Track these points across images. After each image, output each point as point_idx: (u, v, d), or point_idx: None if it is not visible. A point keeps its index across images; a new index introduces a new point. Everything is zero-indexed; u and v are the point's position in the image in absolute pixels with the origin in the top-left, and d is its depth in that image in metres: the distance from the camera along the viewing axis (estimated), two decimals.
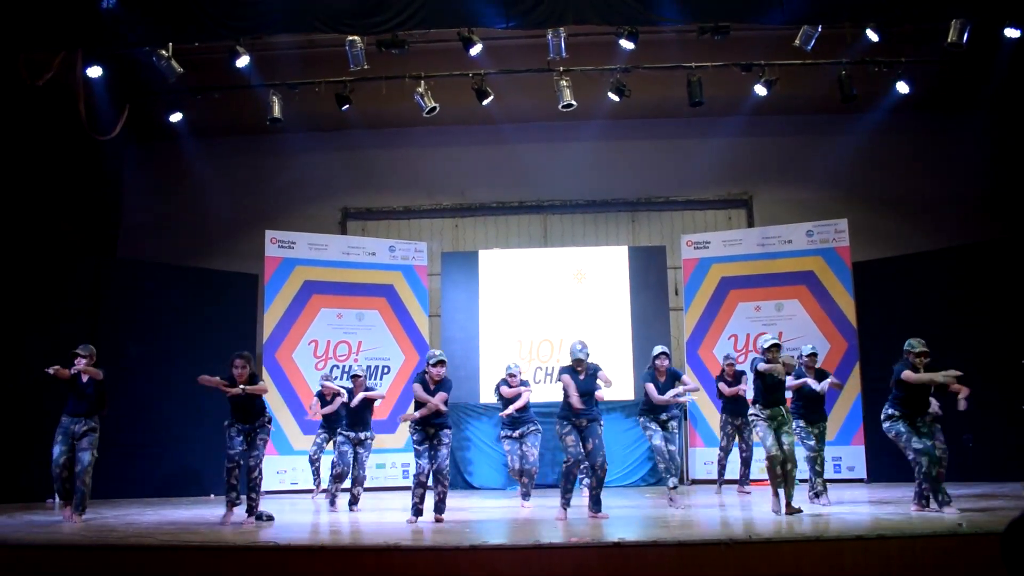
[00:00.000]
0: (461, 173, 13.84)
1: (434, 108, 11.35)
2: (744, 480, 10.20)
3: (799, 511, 7.03)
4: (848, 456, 11.29)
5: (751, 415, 7.47)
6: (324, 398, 10.06)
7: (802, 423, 8.39)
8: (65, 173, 11.97)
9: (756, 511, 7.74)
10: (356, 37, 10.26)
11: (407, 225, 13.92)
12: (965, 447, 8.96)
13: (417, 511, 7.31)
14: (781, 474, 7.21)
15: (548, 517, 7.48)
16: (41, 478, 7.79)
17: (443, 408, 7.51)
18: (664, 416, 8.78)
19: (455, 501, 8.06)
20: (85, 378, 7.81)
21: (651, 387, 8.73)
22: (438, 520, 7.22)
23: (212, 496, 10.93)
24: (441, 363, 7.54)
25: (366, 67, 10.62)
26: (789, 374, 7.78)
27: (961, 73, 11.61)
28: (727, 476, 10.69)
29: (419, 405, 7.53)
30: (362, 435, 8.87)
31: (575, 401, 7.42)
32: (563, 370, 7.65)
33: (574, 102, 11.23)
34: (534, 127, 13.39)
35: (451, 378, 7.71)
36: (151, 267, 11.90)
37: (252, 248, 12.36)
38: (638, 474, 11.65)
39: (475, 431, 12.01)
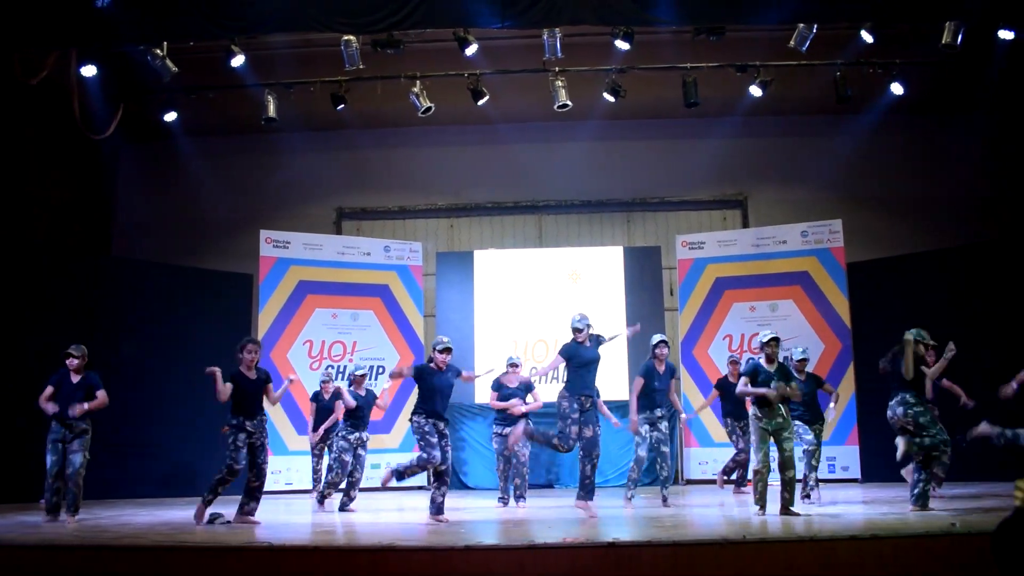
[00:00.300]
0: (456, 173, 13.83)
1: (429, 108, 11.34)
2: (741, 481, 10.19)
3: (796, 515, 7.01)
4: (842, 456, 11.31)
5: (752, 415, 7.33)
6: (321, 398, 10.05)
7: (799, 422, 8.42)
8: (59, 172, 11.95)
9: (751, 511, 7.74)
10: (351, 37, 10.24)
11: (402, 225, 13.91)
12: (959, 447, 8.96)
13: (440, 508, 7.24)
14: (769, 486, 7.20)
15: (542, 517, 7.47)
16: (34, 479, 7.75)
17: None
18: (659, 413, 8.78)
19: (450, 501, 8.03)
20: (74, 379, 7.77)
21: (640, 381, 8.74)
22: (441, 521, 7.18)
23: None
24: (447, 351, 7.45)
25: (361, 67, 10.61)
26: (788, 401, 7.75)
27: (955, 75, 11.62)
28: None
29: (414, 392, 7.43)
30: (364, 436, 8.87)
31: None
32: (562, 350, 7.59)
33: (569, 102, 11.23)
34: (529, 127, 13.39)
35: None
36: (145, 266, 11.89)
37: (247, 248, 12.34)
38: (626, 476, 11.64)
39: (470, 431, 12.01)
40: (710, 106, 11.93)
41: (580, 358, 7.47)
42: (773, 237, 12.25)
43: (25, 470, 9.17)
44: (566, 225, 13.90)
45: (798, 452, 8.08)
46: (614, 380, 11.61)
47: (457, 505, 9.06)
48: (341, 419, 9.04)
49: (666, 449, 8.83)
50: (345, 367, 11.60)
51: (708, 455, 11.92)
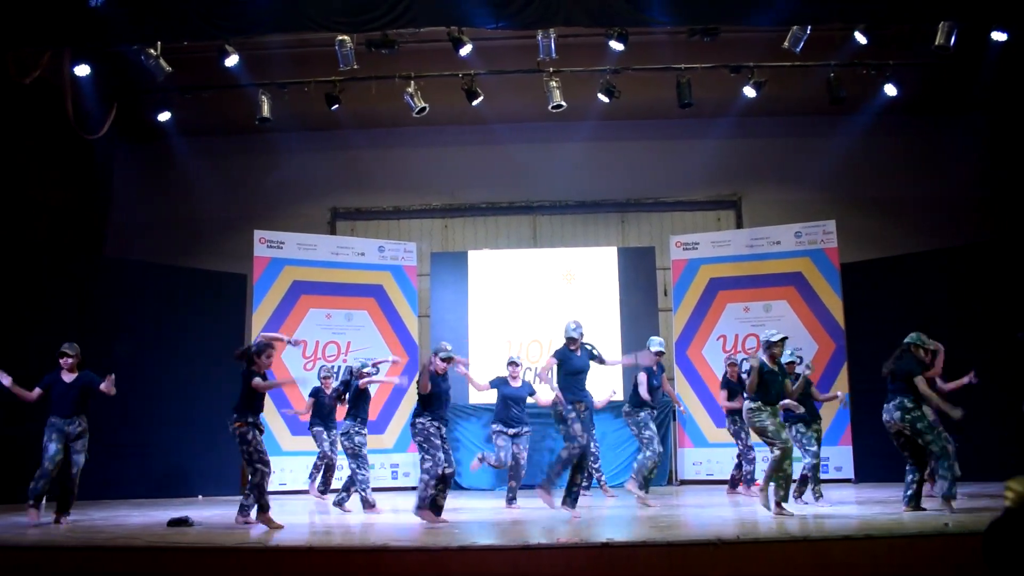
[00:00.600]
0: (451, 173, 13.83)
1: (424, 108, 11.34)
2: (736, 482, 10.21)
3: (791, 515, 7.01)
4: (836, 456, 11.33)
5: (752, 408, 7.28)
6: (322, 394, 10.02)
7: (801, 426, 8.40)
8: (53, 172, 11.92)
9: (745, 511, 7.76)
10: (346, 37, 10.24)
11: (396, 225, 13.90)
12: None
13: (439, 508, 7.23)
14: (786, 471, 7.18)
15: (537, 518, 7.47)
16: (27, 479, 7.72)
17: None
18: (647, 411, 8.89)
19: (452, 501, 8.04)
20: (68, 377, 7.75)
21: (643, 377, 8.80)
22: (441, 522, 7.17)
23: (200, 497, 10.90)
24: (449, 360, 7.49)
25: (356, 67, 10.60)
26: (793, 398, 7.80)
27: (949, 76, 11.66)
28: (719, 476, 10.72)
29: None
30: (365, 431, 8.88)
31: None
32: (556, 352, 7.64)
33: (564, 103, 11.24)
34: (524, 128, 13.38)
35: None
36: (139, 266, 11.85)
37: (241, 248, 12.32)
38: (628, 474, 11.62)
39: (464, 431, 11.99)
40: (704, 107, 11.95)
41: (570, 365, 7.54)
42: (767, 238, 12.27)
43: (18, 471, 9.14)
44: (560, 225, 13.90)
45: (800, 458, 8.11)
46: (603, 380, 11.57)
47: (451, 505, 9.03)
48: (345, 418, 9.02)
49: (659, 448, 8.95)
50: (340, 367, 11.59)
51: (702, 455, 11.94)
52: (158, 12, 9.19)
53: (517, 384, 9.25)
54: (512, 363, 9.36)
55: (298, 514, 8.54)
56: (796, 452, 7.96)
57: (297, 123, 12.64)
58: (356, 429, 8.78)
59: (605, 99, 11.60)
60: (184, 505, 9.57)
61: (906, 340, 7.46)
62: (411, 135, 13.54)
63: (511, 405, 9.16)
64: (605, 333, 12.24)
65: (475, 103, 11.51)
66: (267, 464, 7.25)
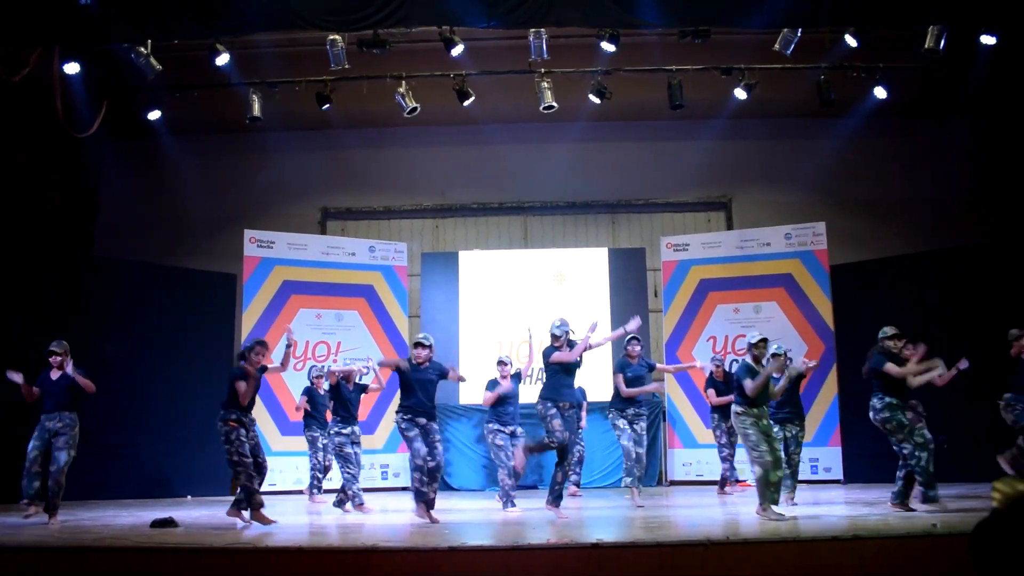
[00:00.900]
0: (442, 174, 13.82)
1: (415, 108, 11.33)
2: (725, 482, 10.22)
3: (781, 517, 7.02)
4: (825, 457, 11.37)
5: (738, 413, 7.24)
6: (315, 393, 10.00)
7: (792, 428, 8.47)
8: (42, 170, 11.86)
9: (734, 512, 7.78)
10: (337, 36, 10.23)
11: (387, 225, 13.88)
12: (941, 448, 9.04)
13: (428, 500, 7.20)
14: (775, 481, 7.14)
15: (527, 519, 7.47)
16: (16, 479, 7.70)
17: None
18: (632, 411, 8.81)
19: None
20: (55, 375, 7.73)
21: (619, 377, 8.78)
22: (434, 520, 7.17)
23: (189, 497, 10.87)
24: (418, 345, 7.52)
25: (347, 67, 10.59)
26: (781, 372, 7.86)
27: (938, 79, 11.72)
28: (708, 477, 10.73)
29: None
30: (356, 430, 8.90)
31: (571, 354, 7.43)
32: (546, 351, 7.62)
33: (555, 104, 11.25)
34: (515, 128, 13.38)
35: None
36: (128, 265, 11.81)
37: (231, 247, 12.29)
38: (617, 475, 11.64)
39: (455, 432, 11.99)
40: (695, 108, 11.97)
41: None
42: (757, 239, 12.31)
43: (7, 471, 9.10)
44: (551, 226, 13.91)
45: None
46: (595, 381, 11.60)
47: (442, 506, 9.03)
48: (331, 417, 9.03)
49: (640, 450, 8.86)
50: (329, 367, 11.57)
51: (692, 456, 11.96)
52: (149, 10, 9.16)
53: (506, 383, 9.24)
54: (500, 362, 9.36)
55: (288, 514, 8.52)
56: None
57: (288, 122, 12.61)
58: (338, 428, 8.82)
59: (596, 100, 11.61)
60: (173, 506, 9.54)
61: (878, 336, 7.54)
62: (402, 135, 13.52)
63: (505, 403, 9.14)
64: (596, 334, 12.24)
65: (466, 103, 11.50)
66: (246, 466, 7.22)
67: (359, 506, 8.64)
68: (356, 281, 12.33)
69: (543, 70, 11.18)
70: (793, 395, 8.69)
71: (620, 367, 8.96)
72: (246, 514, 7.35)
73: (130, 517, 8.08)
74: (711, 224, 13.69)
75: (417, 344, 7.52)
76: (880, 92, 11.40)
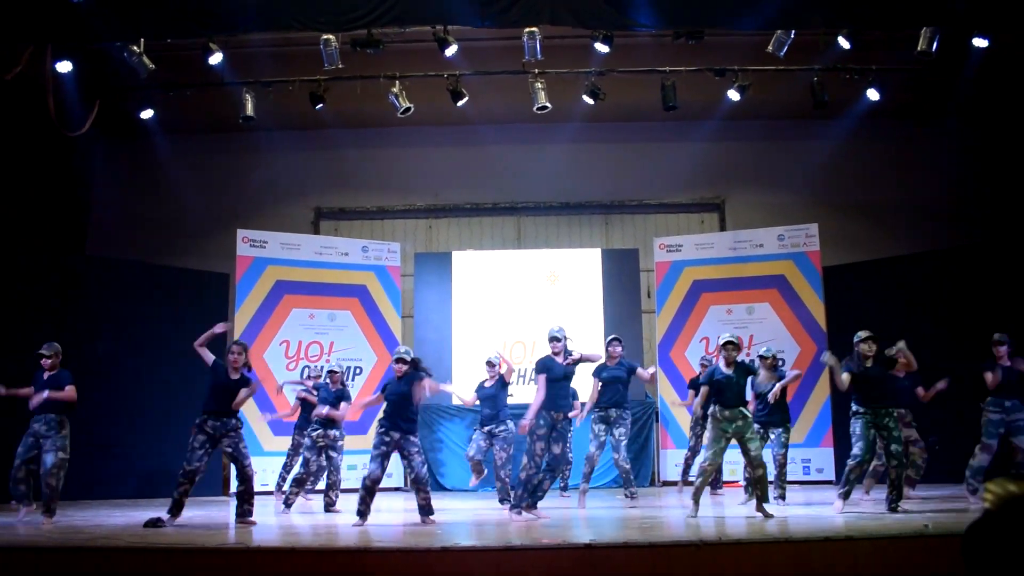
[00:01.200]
0: (435, 174, 13.82)
1: (409, 108, 11.32)
2: (717, 483, 10.23)
3: (769, 516, 7.04)
4: (817, 458, 11.40)
5: (712, 415, 7.29)
6: (308, 405, 9.96)
7: (759, 427, 8.51)
8: (34, 169, 11.82)
9: (726, 512, 7.79)
10: (331, 36, 10.21)
11: (380, 225, 13.87)
12: (932, 449, 9.08)
13: (362, 514, 7.12)
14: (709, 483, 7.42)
15: (520, 519, 7.47)
16: (7, 480, 7.68)
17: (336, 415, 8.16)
18: (613, 413, 8.82)
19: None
20: (45, 377, 7.70)
21: (596, 382, 8.81)
22: (430, 522, 7.16)
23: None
24: (400, 360, 7.32)
25: (340, 66, 10.57)
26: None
27: (931, 81, 11.76)
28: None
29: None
30: (333, 434, 8.83)
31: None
32: (539, 363, 7.52)
33: (549, 104, 11.25)
34: (509, 129, 13.39)
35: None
36: (121, 265, 11.78)
37: (223, 247, 12.26)
38: (609, 476, 11.66)
39: (447, 432, 11.99)
40: (688, 110, 11.99)
41: (553, 372, 7.42)
42: (750, 240, 12.33)
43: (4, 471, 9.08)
44: (544, 227, 13.92)
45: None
46: (587, 381, 11.59)
47: (434, 506, 9.03)
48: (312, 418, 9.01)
49: (617, 455, 8.93)
50: (322, 367, 11.55)
51: (684, 457, 11.95)
52: (142, 9, 9.15)
53: (489, 385, 9.21)
54: (488, 363, 9.34)
55: (280, 515, 8.50)
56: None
57: (281, 122, 12.59)
58: (309, 432, 8.84)
59: (590, 101, 11.62)
60: (166, 505, 9.49)
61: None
62: (396, 135, 13.52)
63: (484, 405, 9.12)
64: (588, 335, 12.26)
65: (460, 104, 11.50)
66: (185, 474, 7.25)
67: (288, 505, 8.69)
68: (349, 281, 12.31)
69: (537, 71, 11.18)
70: (780, 398, 8.73)
71: (597, 370, 8.94)
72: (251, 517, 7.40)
73: (123, 517, 8.07)
74: (704, 225, 13.72)
75: (399, 360, 7.39)
76: (873, 94, 11.43)
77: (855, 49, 10.55)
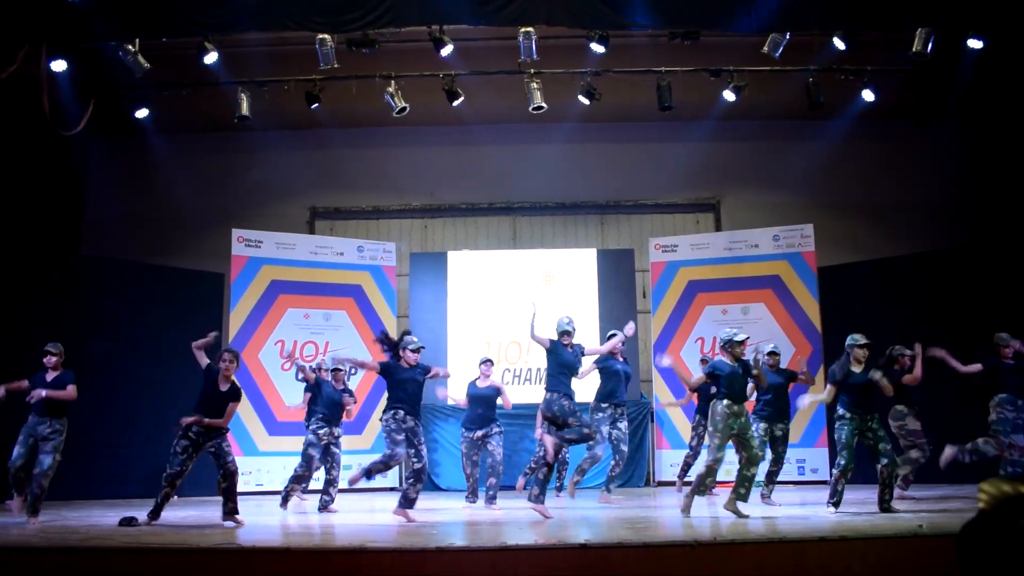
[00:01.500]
0: (430, 174, 13.81)
1: (404, 108, 11.32)
2: (713, 483, 10.22)
3: (745, 516, 7.07)
4: (811, 458, 11.42)
5: (719, 409, 7.29)
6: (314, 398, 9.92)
7: (764, 426, 8.52)
8: (28, 168, 11.79)
9: (721, 512, 7.79)
10: (326, 36, 10.21)
11: (375, 225, 13.85)
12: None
13: (411, 504, 7.27)
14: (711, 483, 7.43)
15: (515, 519, 7.47)
16: (1, 479, 7.66)
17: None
18: (620, 408, 8.90)
19: (422, 502, 8.04)
20: (49, 377, 7.69)
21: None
22: (411, 519, 7.19)
23: (175, 497, 10.79)
24: (420, 350, 7.63)
25: (336, 66, 10.57)
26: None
27: (926, 82, 11.79)
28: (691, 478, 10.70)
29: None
30: (337, 431, 8.87)
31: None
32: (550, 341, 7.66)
33: (544, 104, 11.26)
34: (504, 129, 13.39)
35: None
36: (116, 264, 11.75)
37: (218, 246, 12.24)
38: (605, 475, 11.66)
39: (442, 432, 11.99)
40: (684, 110, 12.00)
41: (561, 358, 7.52)
42: (745, 241, 12.34)
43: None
44: (540, 227, 13.92)
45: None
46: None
47: (429, 506, 9.05)
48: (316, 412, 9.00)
49: (624, 448, 8.96)
50: (318, 365, 11.54)
51: (679, 457, 11.90)
52: (137, 8, 9.14)
53: (484, 384, 9.22)
54: (487, 361, 9.34)
55: (275, 515, 8.50)
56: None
57: (276, 122, 12.57)
58: (313, 427, 8.86)
59: (586, 101, 11.63)
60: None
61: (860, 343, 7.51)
62: (391, 135, 13.50)
63: (475, 405, 9.11)
64: (584, 334, 12.24)
65: (456, 104, 11.50)
66: (167, 478, 7.34)
67: (285, 501, 8.67)
68: (344, 281, 12.30)
69: (532, 71, 11.19)
70: (782, 394, 8.78)
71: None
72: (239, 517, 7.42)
73: (116, 517, 8.03)
74: (700, 225, 13.72)
75: (418, 349, 7.59)
76: (868, 95, 11.46)
77: (850, 50, 10.59)
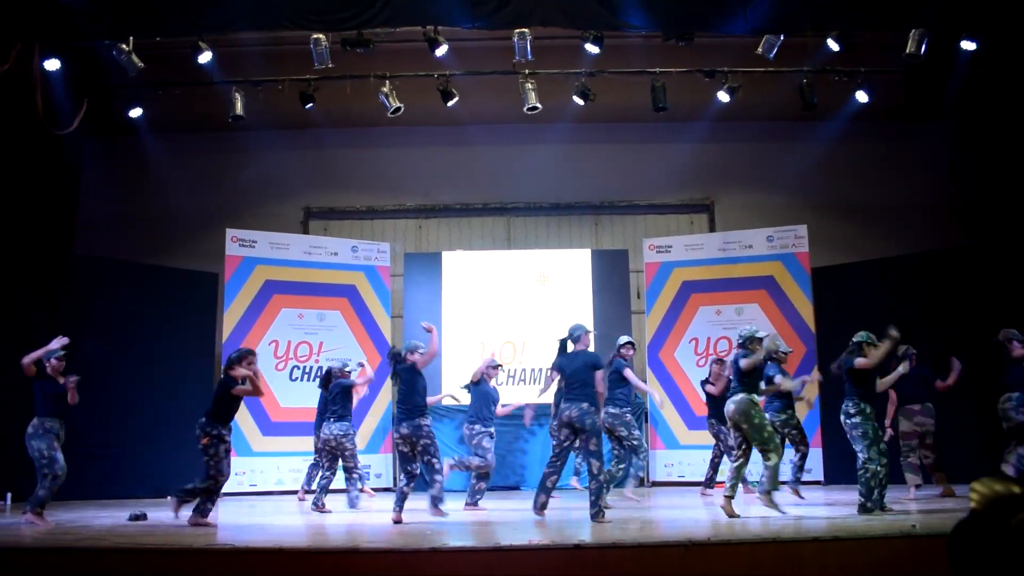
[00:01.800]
0: (425, 174, 13.79)
1: (399, 108, 11.31)
2: (710, 483, 10.24)
3: (736, 516, 7.12)
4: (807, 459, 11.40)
5: (746, 401, 7.38)
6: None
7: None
8: (21, 167, 11.75)
9: (717, 513, 7.80)
10: (321, 35, 10.19)
11: (370, 225, 13.84)
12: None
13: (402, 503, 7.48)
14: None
15: (509, 519, 7.48)
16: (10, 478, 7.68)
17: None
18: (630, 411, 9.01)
19: (415, 503, 8.03)
20: (63, 380, 7.70)
21: (630, 372, 8.90)
22: (398, 521, 7.22)
23: (170, 497, 10.77)
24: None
25: (330, 66, 10.55)
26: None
27: (920, 83, 11.82)
28: (691, 478, 10.76)
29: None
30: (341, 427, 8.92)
31: None
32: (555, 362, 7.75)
33: (539, 105, 11.25)
34: (499, 129, 13.38)
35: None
36: (109, 264, 11.72)
37: (212, 246, 12.21)
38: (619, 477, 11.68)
39: (439, 433, 11.86)
40: (678, 111, 12.00)
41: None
42: (739, 241, 12.36)
43: None
44: (534, 227, 13.91)
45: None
46: None
47: (423, 506, 9.03)
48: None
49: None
50: (312, 368, 11.56)
51: (674, 457, 11.99)
52: (131, 7, 9.12)
53: (493, 385, 9.34)
54: (496, 366, 9.43)
55: (268, 515, 8.49)
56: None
57: (271, 121, 12.54)
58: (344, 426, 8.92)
59: (580, 102, 11.62)
60: (153, 505, 9.46)
61: (855, 339, 7.53)
62: (386, 135, 13.49)
63: (492, 404, 9.20)
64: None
65: (450, 104, 11.49)
66: (221, 478, 7.40)
67: (320, 506, 8.66)
68: (338, 281, 12.29)
69: (527, 71, 11.18)
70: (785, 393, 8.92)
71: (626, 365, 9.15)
72: (225, 516, 7.41)
73: (110, 518, 8.03)
74: (694, 226, 13.73)
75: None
76: (862, 96, 11.47)
77: (844, 51, 10.60)
